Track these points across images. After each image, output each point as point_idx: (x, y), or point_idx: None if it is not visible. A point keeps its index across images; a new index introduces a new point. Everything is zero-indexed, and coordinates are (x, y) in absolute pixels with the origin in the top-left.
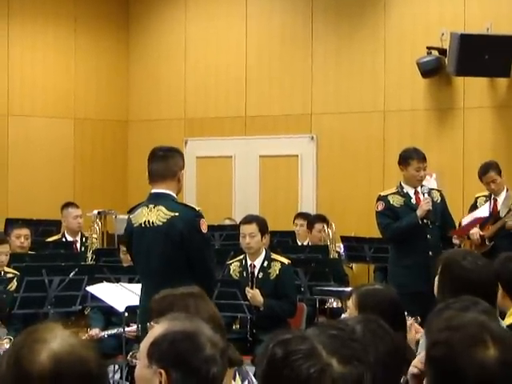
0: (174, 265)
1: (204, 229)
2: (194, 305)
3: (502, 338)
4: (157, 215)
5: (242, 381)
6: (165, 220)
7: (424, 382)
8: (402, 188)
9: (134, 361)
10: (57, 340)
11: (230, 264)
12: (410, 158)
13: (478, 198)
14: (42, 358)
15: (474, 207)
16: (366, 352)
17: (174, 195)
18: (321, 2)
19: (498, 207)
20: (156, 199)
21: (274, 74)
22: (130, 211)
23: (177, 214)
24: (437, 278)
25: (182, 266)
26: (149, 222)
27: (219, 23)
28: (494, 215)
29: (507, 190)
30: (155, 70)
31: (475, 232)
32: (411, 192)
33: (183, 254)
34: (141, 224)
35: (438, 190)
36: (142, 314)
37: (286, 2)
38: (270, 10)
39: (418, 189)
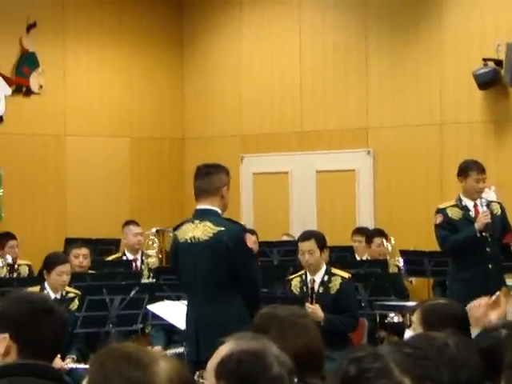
0: (221, 279)
1: (249, 243)
2: (275, 328)
3: None
4: (203, 230)
5: None
6: (211, 235)
7: None
8: (460, 201)
9: (201, 380)
10: (163, 361)
11: (291, 279)
12: (470, 169)
13: None
14: (161, 379)
15: None
16: (439, 372)
17: (219, 211)
18: (374, 15)
19: None
20: (201, 215)
21: (328, 88)
22: (176, 228)
23: (223, 228)
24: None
25: (228, 280)
26: (195, 237)
27: (273, 39)
28: None
29: None
30: (210, 87)
31: None
32: (470, 205)
33: (229, 268)
34: (187, 239)
35: (498, 203)
36: (189, 326)
37: (340, 16)
38: (323, 24)
39: (477, 201)
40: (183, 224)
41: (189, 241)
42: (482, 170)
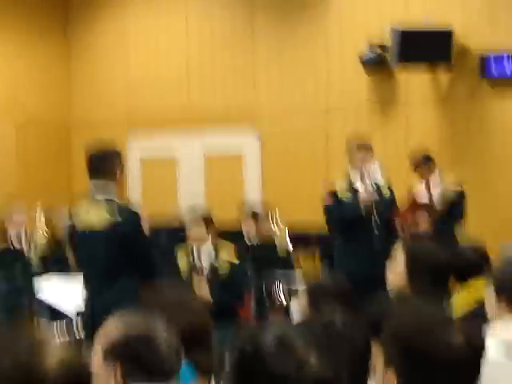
0: (117, 266)
1: (146, 229)
2: (160, 306)
3: (463, 325)
4: (98, 219)
5: None
6: (106, 224)
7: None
8: (348, 175)
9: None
10: (57, 345)
11: (178, 254)
12: (350, 141)
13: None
14: (51, 360)
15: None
16: (341, 349)
17: (114, 197)
18: None
19: (432, 192)
20: (96, 202)
21: (216, 72)
22: (72, 213)
23: (118, 217)
24: (400, 268)
25: (124, 267)
26: (90, 225)
27: (159, 18)
28: (430, 201)
29: (442, 179)
30: (96, 71)
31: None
32: (358, 184)
33: (125, 256)
34: (82, 227)
35: (388, 187)
36: (86, 315)
37: None
38: (210, 6)
39: (366, 182)
40: (79, 209)
41: (84, 228)
42: (360, 142)
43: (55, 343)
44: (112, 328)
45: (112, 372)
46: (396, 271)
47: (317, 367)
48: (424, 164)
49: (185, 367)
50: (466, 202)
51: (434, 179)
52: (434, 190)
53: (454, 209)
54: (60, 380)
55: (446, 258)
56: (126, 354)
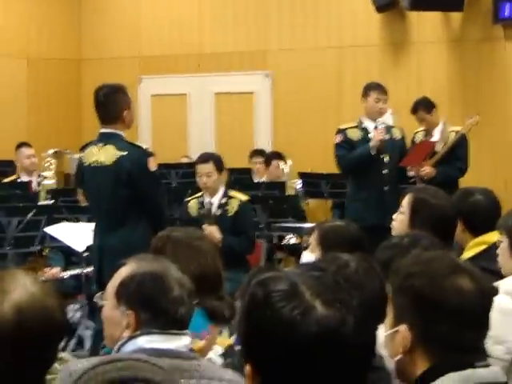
0: (124, 203)
1: (152, 167)
2: (171, 250)
3: (472, 270)
4: (106, 154)
5: (230, 336)
6: (113, 159)
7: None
8: (361, 122)
9: (101, 302)
10: (18, 289)
11: (188, 202)
12: (370, 89)
13: (416, 133)
14: (5, 309)
15: (413, 143)
16: (350, 296)
17: (122, 134)
18: None
19: (433, 135)
20: (105, 138)
21: (228, 10)
22: (82, 149)
23: (125, 153)
24: (404, 217)
25: (131, 205)
26: (98, 161)
27: None
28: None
29: (444, 124)
30: (108, 7)
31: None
32: (370, 127)
33: (132, 193)
34: (90, 163)
35: (400, 128)
36: (94, 251)
37: None
38: None
39: (378, 125)
40: (88, 146)
41: (92, 165)
42: (382, 90)
43: (24, 288)
44: (124, 271)
45: (124, 315)
46: (400, 218)
47: (322, 312)
48: (423, 107)
49: (198, 315)
50: (468, 145)
51: (435, 121)
52: (434, 132)
53: (455, 151)
54: (13, 327)
55: (451, 210)
56: (138, 295)
